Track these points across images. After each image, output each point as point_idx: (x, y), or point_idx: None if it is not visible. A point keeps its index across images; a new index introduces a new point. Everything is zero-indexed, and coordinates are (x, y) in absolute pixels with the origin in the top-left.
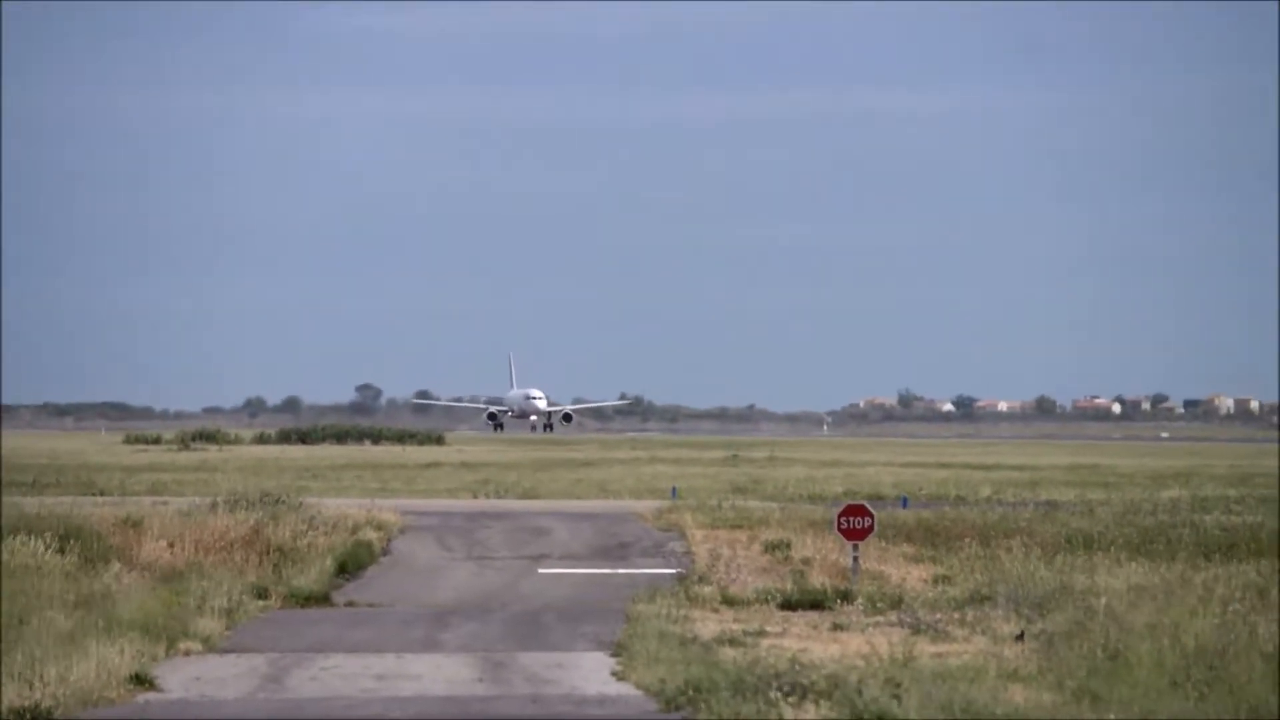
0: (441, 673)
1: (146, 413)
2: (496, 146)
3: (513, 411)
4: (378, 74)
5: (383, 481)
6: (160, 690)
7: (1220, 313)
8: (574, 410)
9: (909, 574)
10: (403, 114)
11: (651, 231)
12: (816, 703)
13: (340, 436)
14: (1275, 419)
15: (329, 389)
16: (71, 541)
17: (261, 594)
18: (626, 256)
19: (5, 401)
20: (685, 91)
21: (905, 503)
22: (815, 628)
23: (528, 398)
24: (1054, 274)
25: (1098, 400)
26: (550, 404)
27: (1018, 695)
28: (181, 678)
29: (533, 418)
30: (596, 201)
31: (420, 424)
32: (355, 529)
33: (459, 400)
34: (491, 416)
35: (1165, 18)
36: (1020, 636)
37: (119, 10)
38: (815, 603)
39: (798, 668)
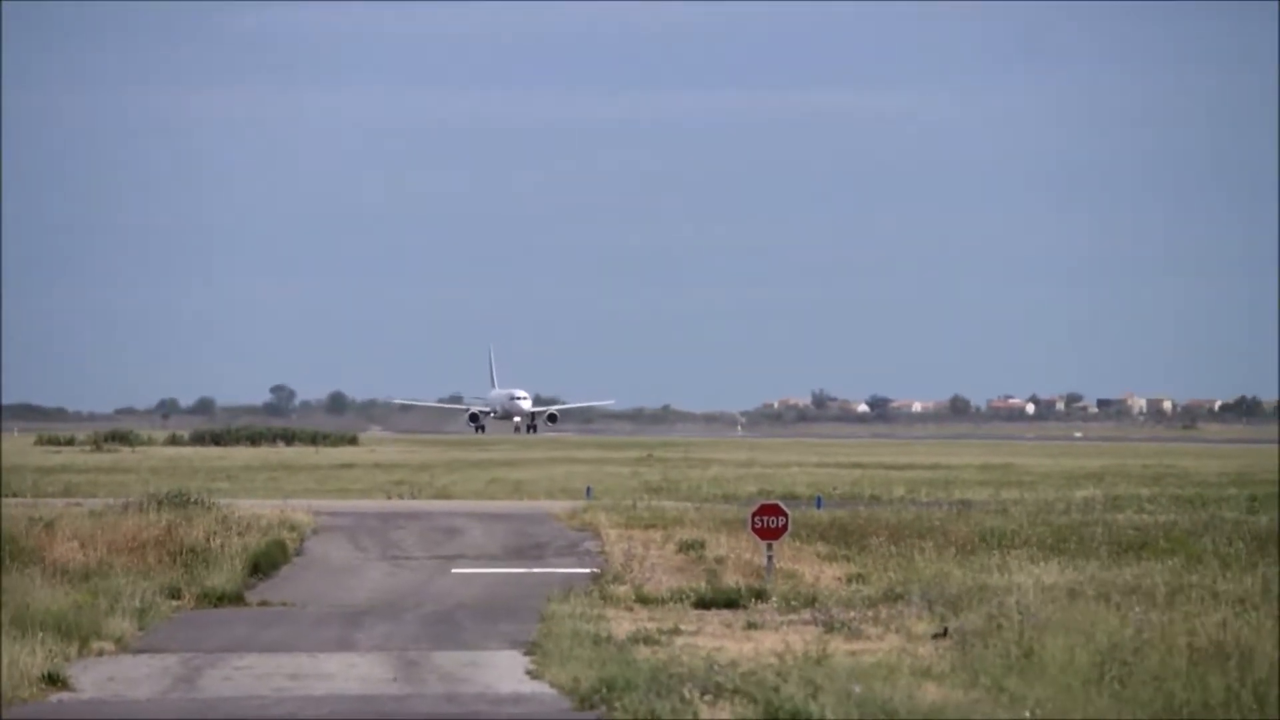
0: (355, 672)
1: (59, 414)
2: (420, 148)
3: (496, 412)
4: (314, 73)
5: (296, 482)
6: (73, 690)
7: (1133, 313)
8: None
9: (823, 573)
10: (328, 113)
11: (565, 233)
12: (731, 701)
13: (254, 438)
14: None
15: (243, 390)
16: None
17: (174, 594)
18: (541, 257)
19: None
20: (611, 94)
21: (820, 502)
22: (730, 626)
23: (513, 398)
24: (967, 275)
25: (1012, 400)
26: (534, 404)
27: (932, 693)
28: (94, 677)
29: (517, 419)
30: (515, 202)
31: (333, 425)
32: (268, 529)
33: (411, 400)
34: (473, 418)
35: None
36: (943, 634)
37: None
38: (730, 602)
39: (713, 666)
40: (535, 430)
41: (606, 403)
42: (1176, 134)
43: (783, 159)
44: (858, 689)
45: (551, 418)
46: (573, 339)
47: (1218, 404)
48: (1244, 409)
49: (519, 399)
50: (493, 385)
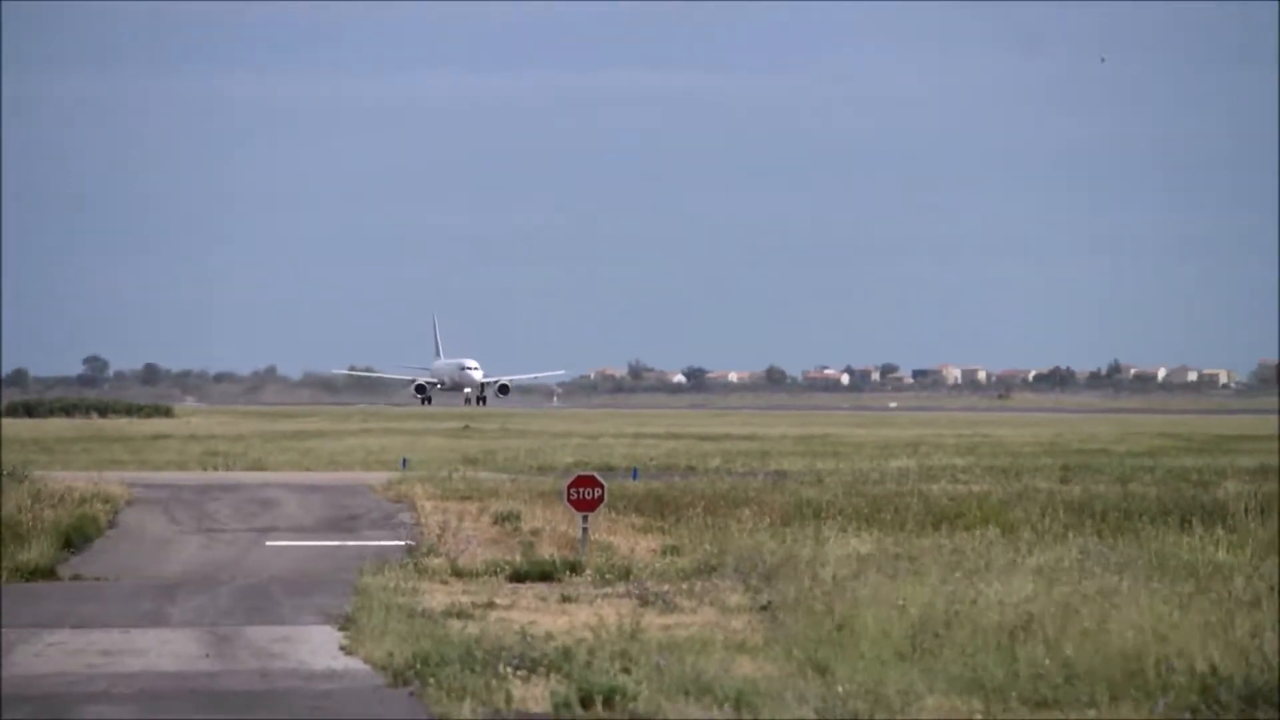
0: (168, 648)
1: None
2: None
3: (443, 383)
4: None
5: (111, 454)
6: None
7: (948, 285)
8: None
9: (638, 545)
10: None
11: (379, 211)
12: (546, 675)
13: (68, 409)
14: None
15: (56, 362)
16: None
17: None
18: (360, 235)
19: None
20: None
21: (635, 474)
22: (544, 599)
23: (463, 369)
24: (781, 248)
25: (827, 371)
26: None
27: (746, 666)
28: None
29: (467, 390)
30: (344, 181)
31: (148, 396)
32: (82, 502)
33: (363, 370)
34: (420, 389)
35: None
36: (767, 606)
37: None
38: (544, 574)
39: (527, 640)
40: (484, 402)
41: (556, 373)
42: (1023, 115)
43: (597, 137)
44: (671, 662)
45: (503, 389)
46: (391, 311)
47: (1031, 374)
48: (1057, 379)
49: (469, 369)
50: (437, 355)
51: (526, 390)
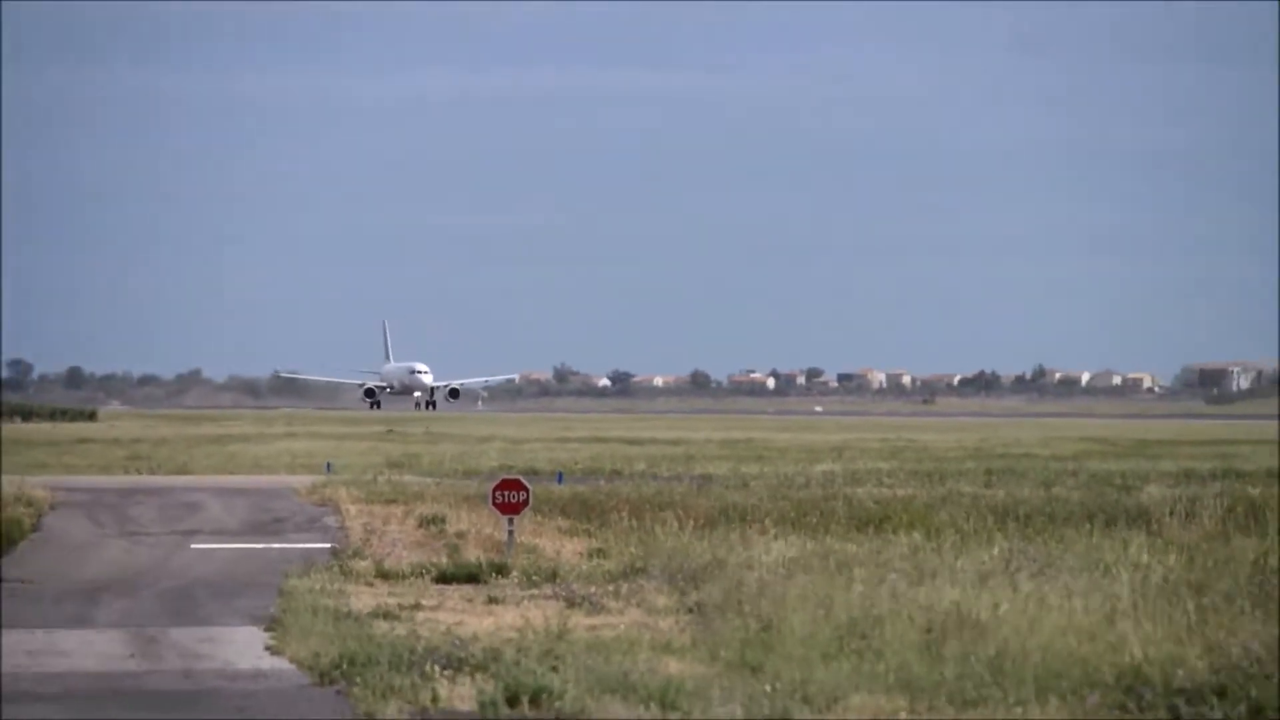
0: (93, 649)
1: None
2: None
3: (393, 387)
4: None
5: (34, 457)
6: None
7: (871, 289)
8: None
9: (564, 548)
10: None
11: (298, 212)
12: (473, 676)
13: None
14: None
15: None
16: None
17: None
18: (275, 237)
19: None
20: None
21: (560, 477)
22: (471, 601)
23: (414, 372)
24: (706, 254)
25: (753, 375)
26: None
27: (673, 666)
28: None
29: (417, 394)
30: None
31: (72, 400)
32: (4, 505)
33: (322, 375)
34: (369, 393)
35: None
36: (694, 609)
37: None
38: (471, 576)
39: (454, 641)
40: (434, 406)
41: (509, 377)
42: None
43: (526, 141)
44: (597, 663)
45: (453, 393)
46: (312, 315)
47: (956, 378)
48: (982, 383)
49: (419, 373)
50: (387, 359)
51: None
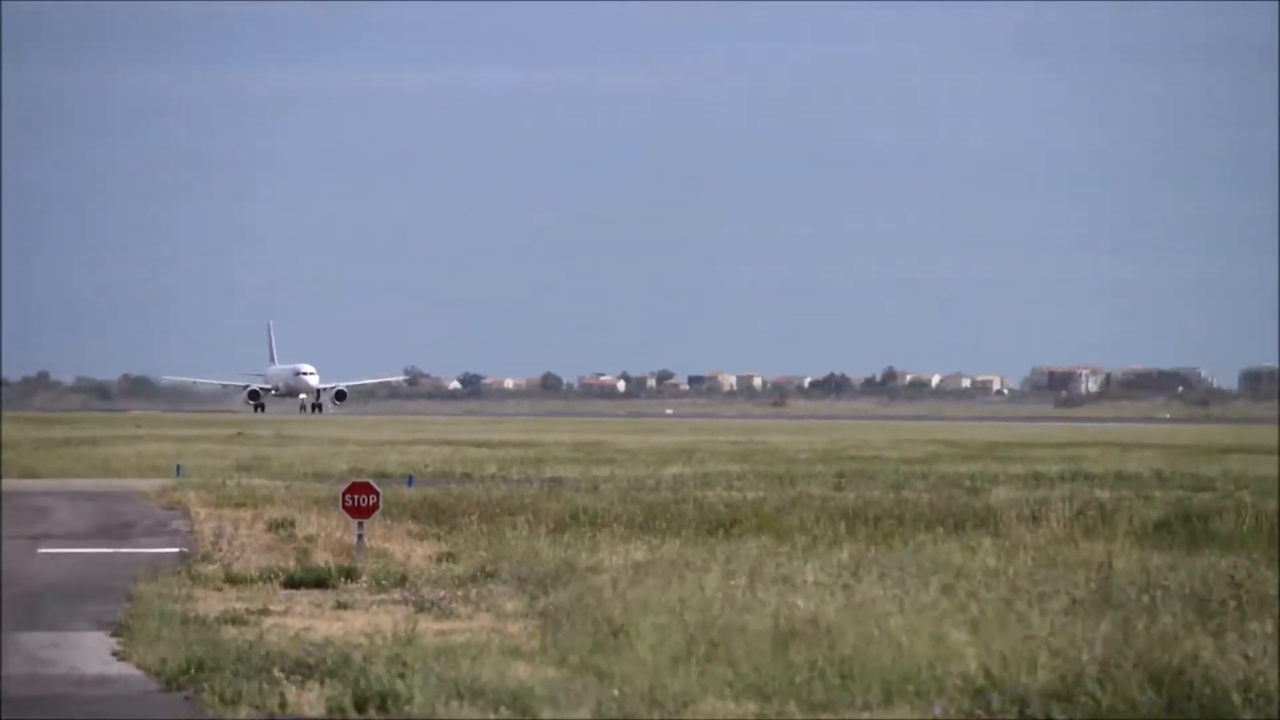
0: None
1: None
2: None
3: (278, 389)
4: None
5: None
6: None
7: (720, 292)
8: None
9: (414, 552)
10: None
11: (153, 204)
12: (321, 682)
13: None
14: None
15: None
16: None
17: None
18: (128, 232)
19: None
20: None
21: (411, 481)
22: (319, 606)
23: (298, 374)
24: (556, 256)
25: (603, 377)
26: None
27: (522, 670)
28: None
29: (302, 396)
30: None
31: None
32: None
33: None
34: (253, 395)
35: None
36: (545, 613)
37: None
38: (319, 581)
39: (302, 646)
40: (321, 409)
41: (397, 378)
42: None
43: (382, 138)
44: (446, 668)
45: (340, 395)
46: (163, 314)
47: (806, 381)
48: (832, 386)
49: (305, 374)
50: (272, 361)
51: (369, 395)
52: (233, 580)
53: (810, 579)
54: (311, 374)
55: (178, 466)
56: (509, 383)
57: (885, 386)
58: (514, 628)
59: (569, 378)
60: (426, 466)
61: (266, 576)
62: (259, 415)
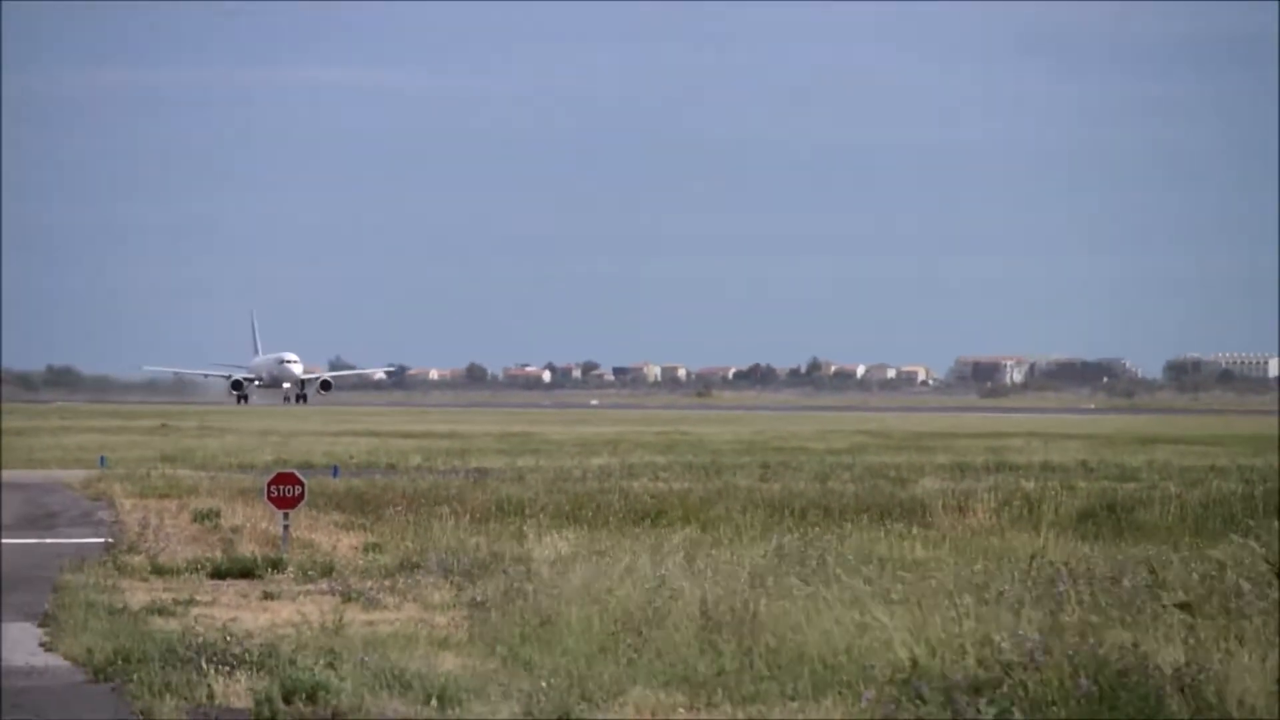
0: None
1: None
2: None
3: (262, 379)
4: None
5: None
6: None
7: (648, 283)
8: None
9: (340, 542)
10: None
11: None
12: (249, 672)
13: None
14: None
15: None
16: None
17: None
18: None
19: None
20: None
21: (336, 471)
22: (246, 596)
23: (282, 363)
24: (481, 247)
25: (528, 368)
26: (306, 370)
27: (450, 661)
28: None
29: (286, 385)
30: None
31: None
32: None
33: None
34: (236, 385)
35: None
36: (473, 603)
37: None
38: (245, 571)
39: (229, 637)
40: (305, 400)
41: (381, 369)
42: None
43: (284, 133)
44: (374, 659)
45: (325, 385)
46: (87, 308)
47: (731, 372)
48: (757, 377)
49: (289, 363)
50: (256, 351)
51: (355, 385)
52: (159, 571)
53: (737, 569)
54: (295, 363)
55: (101, 457)
56: (434, 373)
57: (810, 377)
58: (442, 618)
59: (494, 368)
60: (352, 458)
61: (193, 567)
62: (241, 407)
